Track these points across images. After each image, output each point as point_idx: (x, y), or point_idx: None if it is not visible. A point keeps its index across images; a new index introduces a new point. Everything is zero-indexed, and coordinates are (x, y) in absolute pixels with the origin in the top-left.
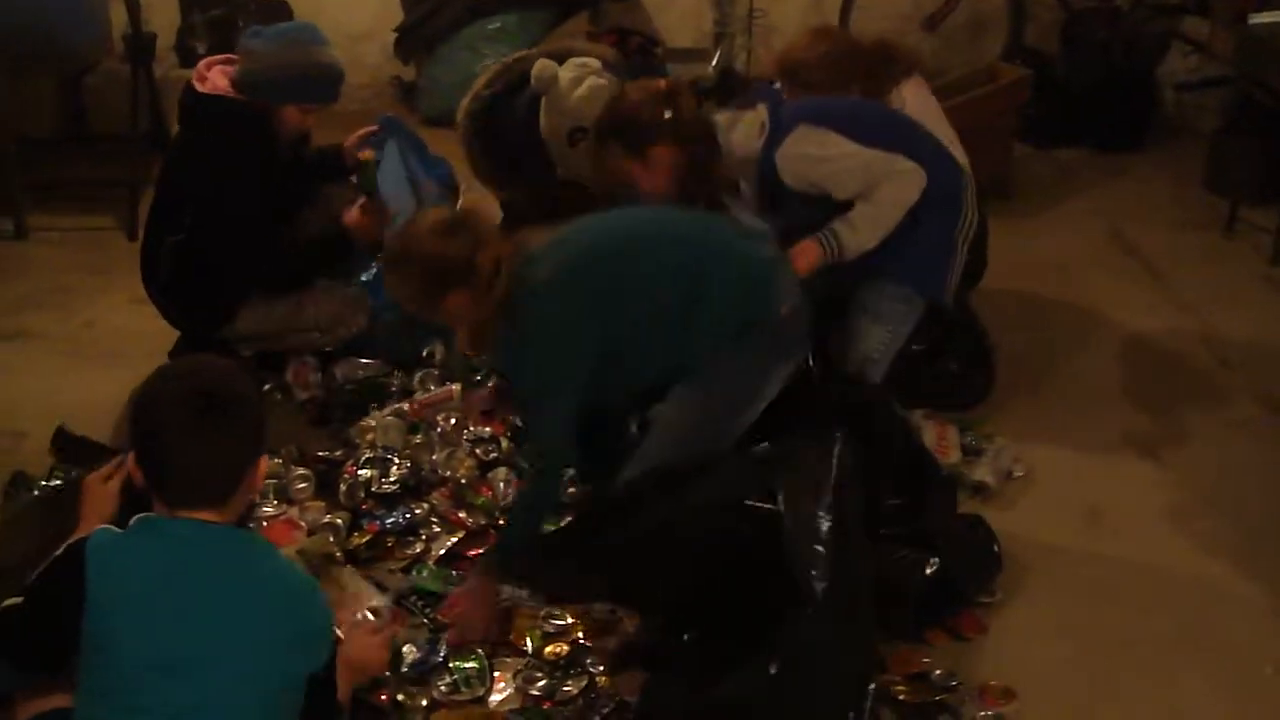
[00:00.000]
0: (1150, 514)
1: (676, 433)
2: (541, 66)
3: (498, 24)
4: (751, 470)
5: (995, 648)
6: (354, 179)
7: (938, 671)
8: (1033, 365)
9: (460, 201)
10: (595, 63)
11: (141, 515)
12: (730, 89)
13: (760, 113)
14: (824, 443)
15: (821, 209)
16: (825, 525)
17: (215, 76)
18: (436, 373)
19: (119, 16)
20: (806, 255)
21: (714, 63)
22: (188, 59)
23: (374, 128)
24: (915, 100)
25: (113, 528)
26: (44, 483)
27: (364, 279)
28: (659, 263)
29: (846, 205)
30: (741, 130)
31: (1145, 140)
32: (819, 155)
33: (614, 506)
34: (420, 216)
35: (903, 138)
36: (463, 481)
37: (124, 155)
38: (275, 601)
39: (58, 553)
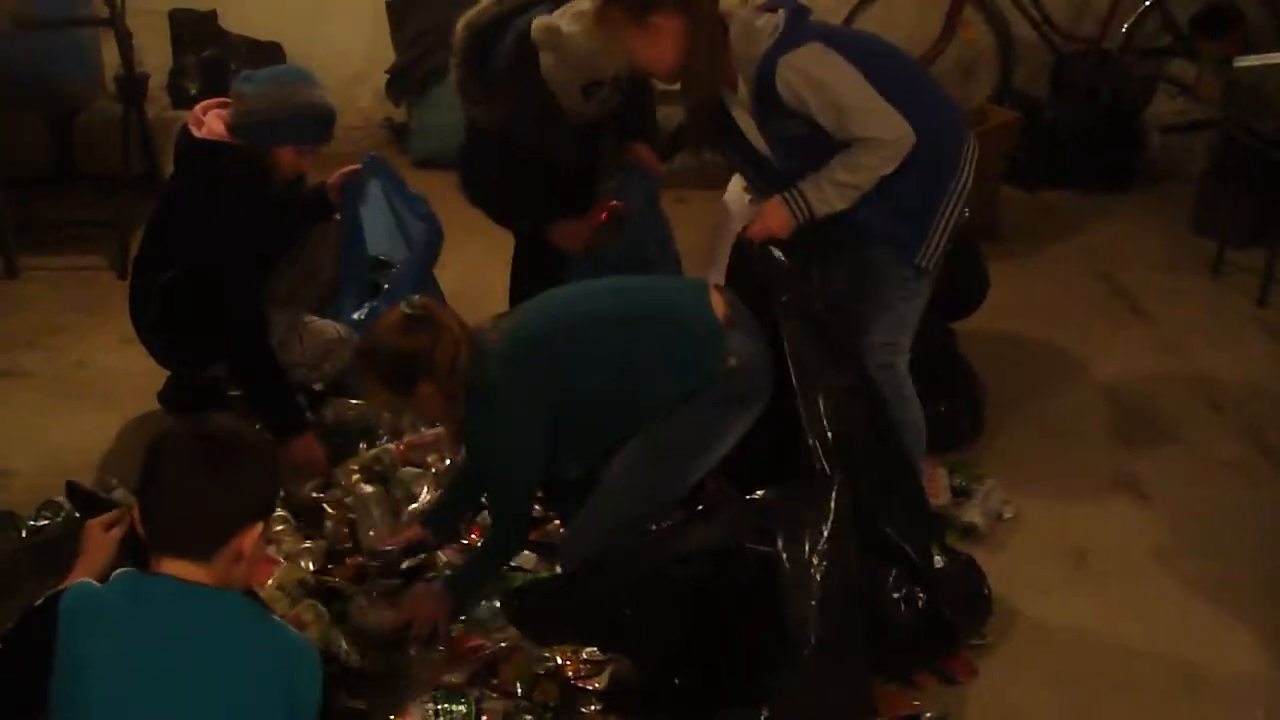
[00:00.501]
0: (1138, 556)
1: (622, 486)
2: (541, 26)
3: None
4: (749, 514)
5: (985, 691)
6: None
7: (928, 715)
8: (1021, 406)
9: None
10: (590, 6)
11: (122, 570)
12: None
13: (778, 16)
14: (822, 486)
15: (807, 128)
16: (820, 570)
17: (211, 121)
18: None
19: (111, 57)
20: (777, 217)
21: None
22: (180, 99)
23: (357, 166)
24: None
25: (92, 582)
26: (31, 522)
27: (355, 317)
28: (593, 349)
29: (826, 140)
30: (756, 27)
31: (1133, 183)
32: (818, 77)
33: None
34: (379, 319)
35: (911, 93)
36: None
37: (115, 195)
38: (255, 670)
39: (36, 603)
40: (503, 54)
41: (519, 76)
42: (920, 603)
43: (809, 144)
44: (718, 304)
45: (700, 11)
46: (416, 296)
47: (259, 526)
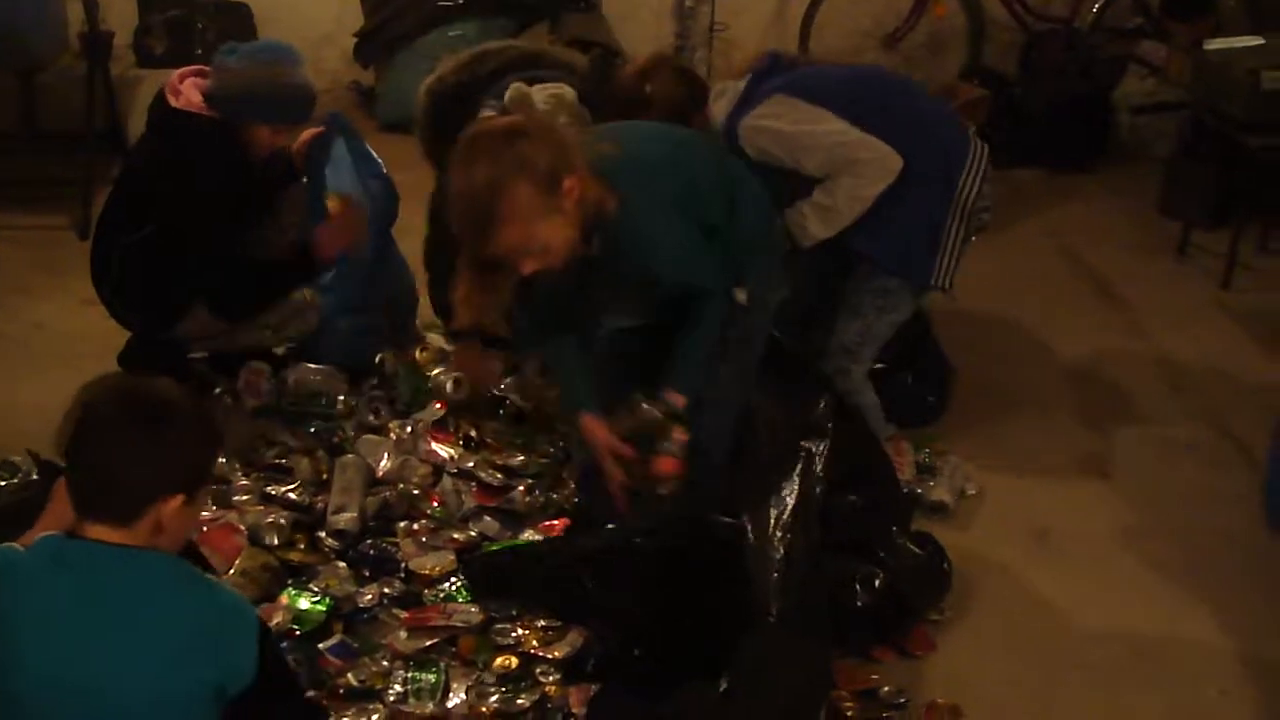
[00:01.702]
0: (1099, 534)
1: (728, 399)
2: (517, 92)
3: (458, 31)
4: (715, 486)
5: (943, 666)
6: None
7: (886, 689)
8: (984, 384)
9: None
10: (570, 95)
11: (44, 534)
12: None
13: (741, 82)
14: (790, 459)
15: (782, 184)
16: (784, 543)
17: (189, 90)
18: (379, 393)
19: (75, 14)
20: None
21: None
22: (145, 58)
23: (320, 129)
24: None
25: (15, 546)
26: None
27: (324, 280)
28: (706, 164)
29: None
30: (724, 100)
31: (1100, 162)
32: (777, 128)
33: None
34: (471, 141)
35: (895, 117)
36: (415, 492)
37: (78, 154)
38: (180, 630)
39: None
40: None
41: None
42: (878, 582)
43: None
44: None
45: (672, 110)
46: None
47: (179, 498)
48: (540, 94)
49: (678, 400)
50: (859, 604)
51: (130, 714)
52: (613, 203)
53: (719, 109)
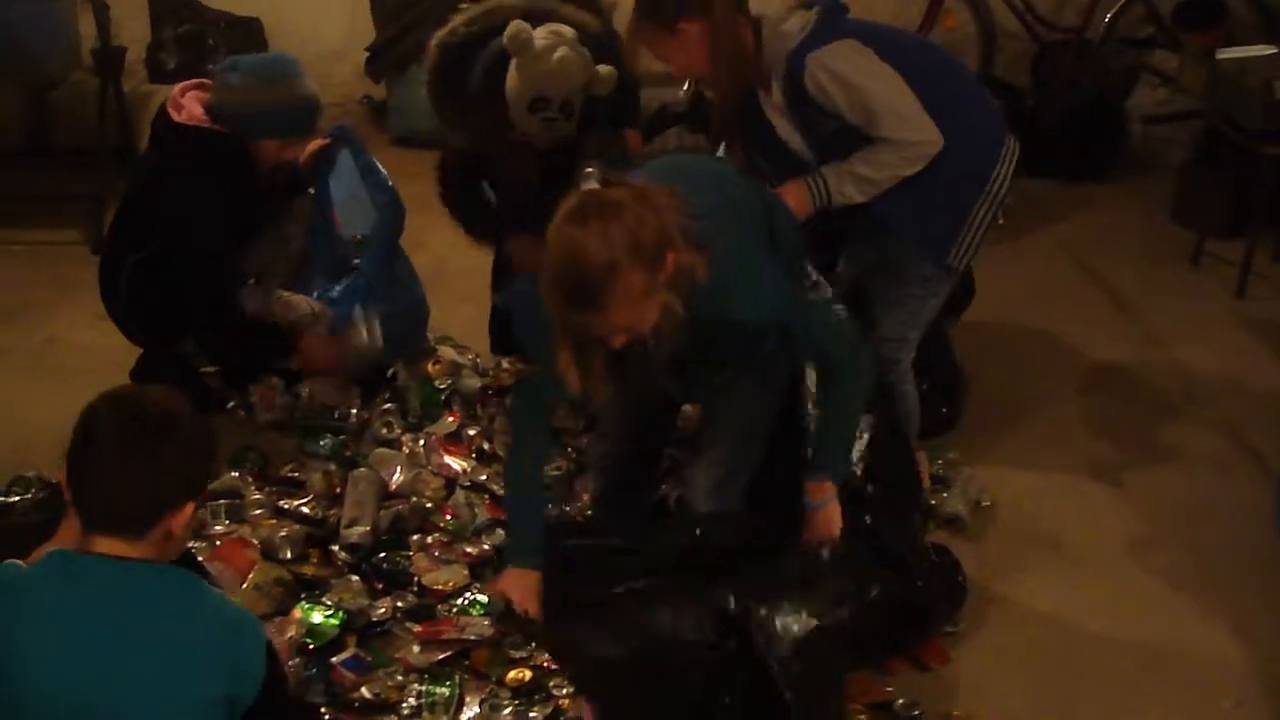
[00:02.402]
0: (1113, 545)
1: (739, 428)
2: (516, 29)
3: None
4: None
5: (958, 677)
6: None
7: (900, 701)
8: (998, 395)
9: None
10: (570, 32)
11: (51, 550)
12: (701, 114)
13: (810, 14)
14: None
15: (840, 124)
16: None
17: (190, 104)
18: (392, 406)
19: (88, 30)
20: (796, 197)
21: (685, 88)
22: (157, 74)
23: (325, 142)
24: None
25: (18, 562)
26: (2, 498)
27: (332, 294)
28: (745, 193)
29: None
30: (786, 26)
31: (1113, 172)
32: (846, 75)
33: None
34: (568, 226)
35: (948, 94)
36: (428, 505)
37: (90, 169)
38: (194, 644)
39: None
40: (475, 76)
41: (486, 98)
42: (897, 596)
43: (843, 139)
44: None
45: (718, 12)
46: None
47: (190, 506)
48: (541, 31)
49: (825, 491)
50: (879, 619)
51: None
52: (704, 267)
53: (786, 35)
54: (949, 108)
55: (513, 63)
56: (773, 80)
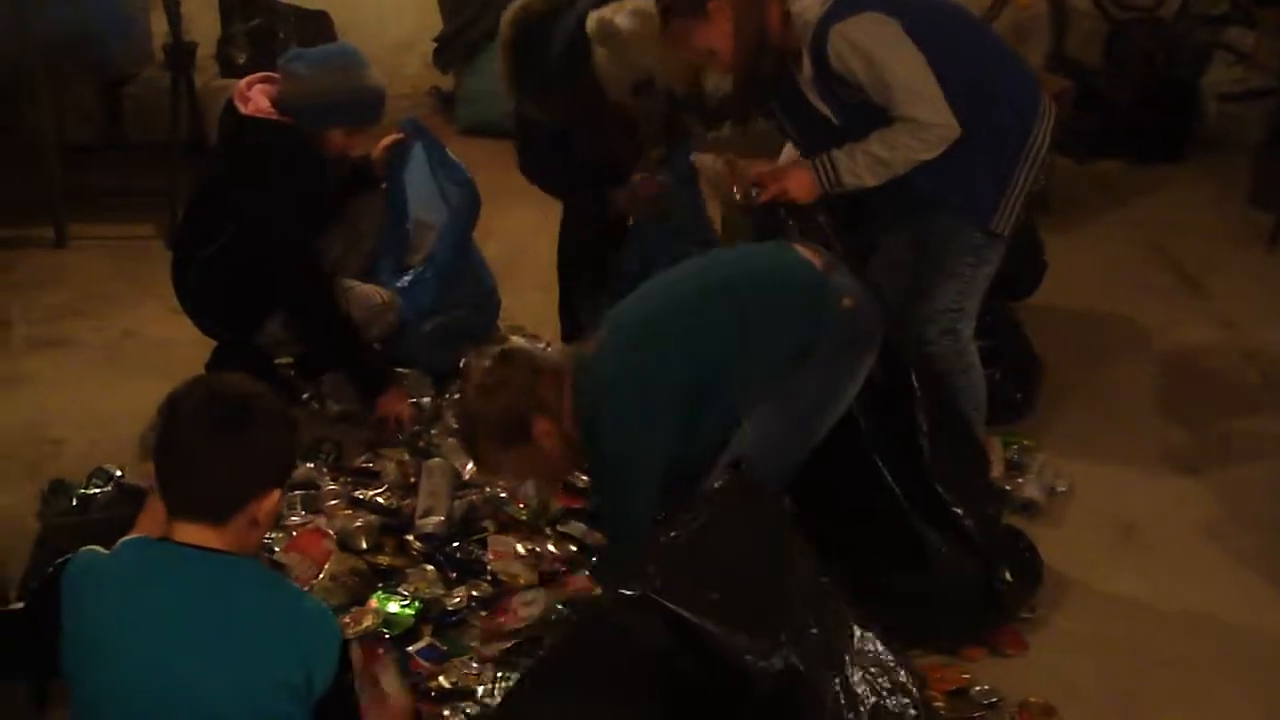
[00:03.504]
0: (1189, 530)
1: (758, 447)
2: (596, 21)
3: None
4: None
5: (1035, 664)
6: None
7: (977, 688)
8: (1072, 379)
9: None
10: (649, 6)
11: (130, 537)
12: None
13: None
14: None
15: (865, 95)
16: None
17: (257, 97)
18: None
19: (160, 26)
20: (799, 181)
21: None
22: (228, 68)
23: (400, 135)
24: None
25: (99, 549)
26: (82, 490)
27: (399, 285)
28: (704, 318)
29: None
30: None
31: (1187, 153)
32: (868, 48)
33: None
34: (464, 387)
35: (981, 63)
36: (501, 495)
37: (163, 164)
38: (268, 637)
39: (49, 570)
40: (554, 50)
41: (573, 77)
42: (972, 573)
43: (868, 112)
44: (807, 253)
45: None
46: (494, 348)
47: (276, 493)
48: (620, 15)
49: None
50: (951, 594)
51: (216, 715)
52: (582, 426)
53: (812, 6)
54: (985, 74)
55: (603, 54)
56: (803, 52)
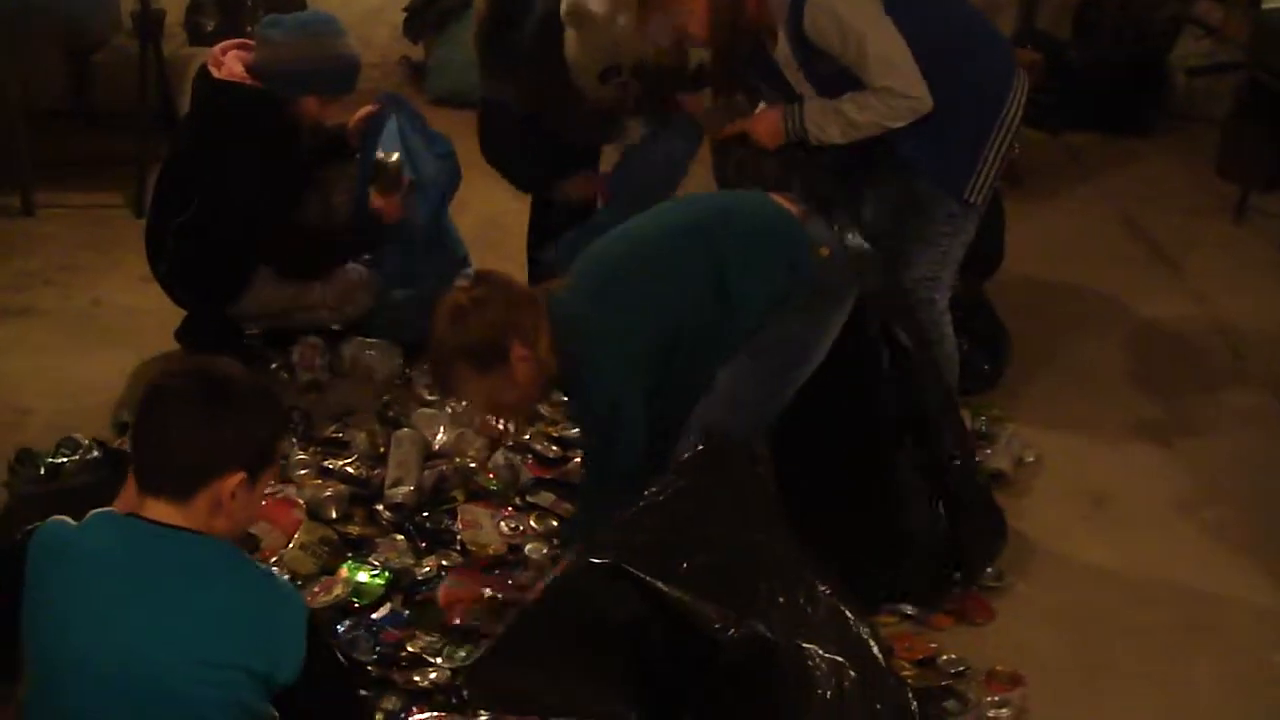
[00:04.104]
0: (1158, 502)
1: (730, 397)
2: (570, 4)
3: None
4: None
5: (1002, 633)
6: (373, 182)
7: (945, 656)
8: (1042, 351)
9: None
10: None
11: (98, 511)
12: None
13: None
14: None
15: (841, 65)
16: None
17: (231, 62)
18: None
19: None
20: (767, 125)
21: None
22: (196, 36)
23: (375, 107)
24: None
25: (66, 520)
26: (50, 460)
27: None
28: (679, 260)
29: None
30: None
31: (1156, 125)
32: (842, 16)
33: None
34: (439, 308)
35: (954, 32)
36: (471, 465)
37: (131, 132)
38: (227, 615)
39: (17, 537)
40: (527, 32)
41: (541, 58)
42: (941, 527)
43: (842, 81)
44: (784, 201)
45: None
46: (470, 270)
47: (239, 476)
48: (597, 4)
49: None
50: (922, 545)
51: (173, 693)
52: (564, 361)
53: None
54: (959, 45)
55: (575, 37)
56: (779, 29)
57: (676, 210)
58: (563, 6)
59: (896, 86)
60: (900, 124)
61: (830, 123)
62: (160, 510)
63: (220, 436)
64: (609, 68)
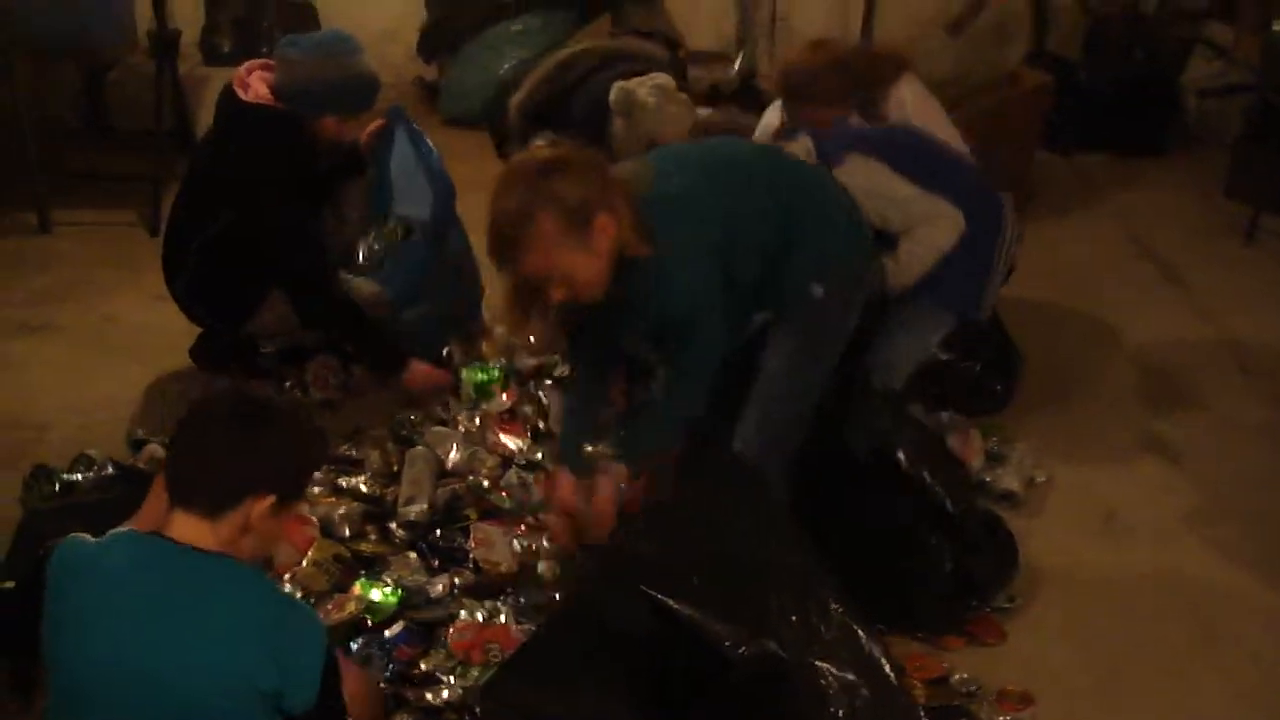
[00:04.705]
0: (1168, 520)
1: (783, 380)
2: (621, 92)
3: (520, 26)
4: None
5: (1013, 653)
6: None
7: (957, 676)
8: (1052, 370)
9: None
10: (669, 83)
11: (119, 529)
12: (752, 93)
13: (805, 141)
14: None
15: None
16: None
17: (256, 84)
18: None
19: (144, 13)
20: None
21: (735, 67)
22: (212, 56)
23: (383, 122)
24: (914, 98)
25: (86, 537)
26: (65, 476)
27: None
28: (765, 194)
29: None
30: (792, 150)
31: (1167, 147)
32: (867, 188)
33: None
34: (518, 166)
35: (942, 172)
36: (484, 484)
37: (147, 151)
38: (244, 636)
39: (40, 553)
40: (576, 114)
41: (588, 137)
42: (951, 559)
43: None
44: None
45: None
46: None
47: (270, 499)
48: (643, 89)
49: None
50: (931, 581)
51: (192, 711)
52: (646, 248)
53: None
54: (961, 181)
55: (622, 122)
56: None
57: (748, 151)
58: (613, 93)
59: (932, 212)
60: (951, 241)
61: (904, 271)
62: (189, 525)
63: (257, 458)
64: (651, 145)
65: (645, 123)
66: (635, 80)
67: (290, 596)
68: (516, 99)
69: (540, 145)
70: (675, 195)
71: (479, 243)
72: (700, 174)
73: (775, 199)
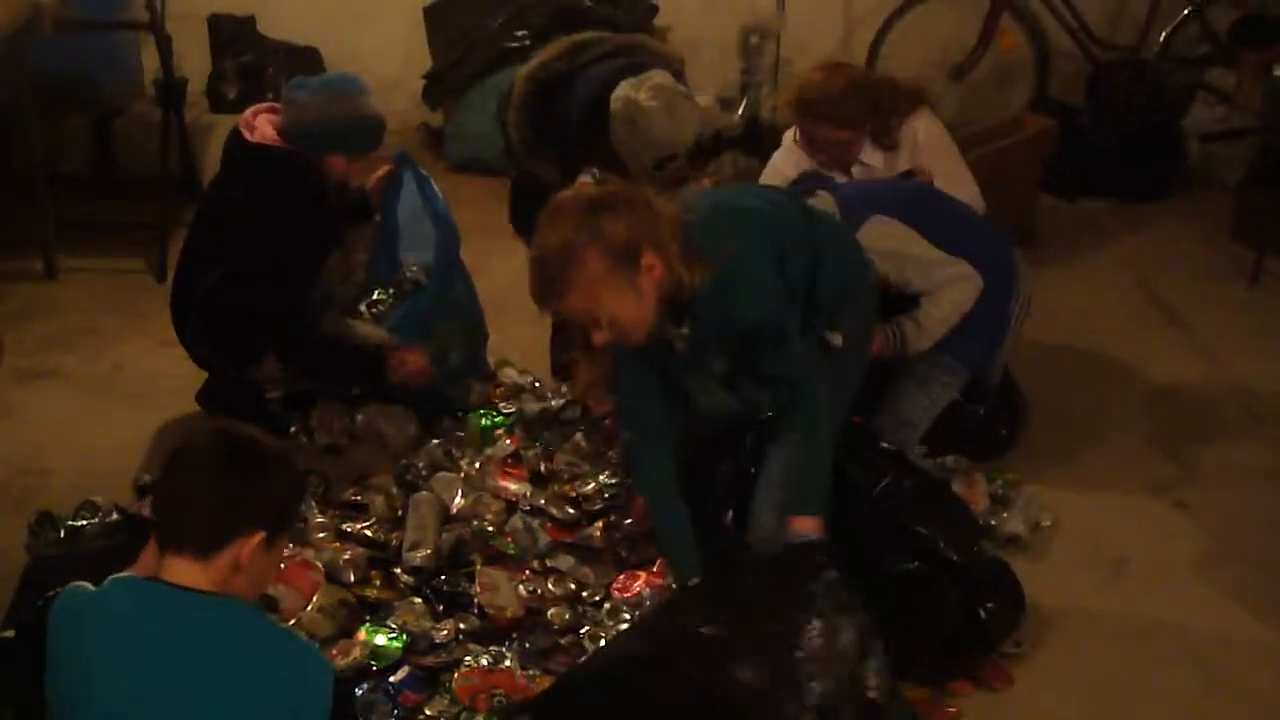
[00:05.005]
0: (1176, 564)
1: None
2: (623, 103)
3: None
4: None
5: (1022, 699)
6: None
7: None
8: (1059, 414)
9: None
10: (670, 83)
11: (118, 575)
12: (757, 138)
13: (827, 198)
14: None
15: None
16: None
17: (262, 125)
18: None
19: (151, 61)
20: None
21: (740, 112)
22: (218, 104)
23: (390, 166)
24: (927, 133)
25: (87, 585)
26: (70, 523)
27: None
28: (794, 226)
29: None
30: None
31: (1170, 191)
32: (890, 250)
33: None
34: (555, 209)
35: (959, 230)
36: (489, 529)
37: (154, 198)
38: (256, 678)
39: (39, 603)
40: (573, 118)
41: (592, 144)
42: (958, 605)
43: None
44: None
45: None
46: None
47: (259, 537)
48: (643, 93)
49: (811, 526)
50: (938, 627)
51: None
52: (703, 273)
53: None
54: (978, 242)
55: (629, 130)
56: None
57: (767, 194)
58: (614, 106)
59: (953, 274)
60: (972, 300)
61: (925, 334)
62: (182, 568)
63: (242, 496)
64: (665, 156)
65: (652, 129)
66: (630, 84)
67: (293, 633)
68: (527, 68)
69: (585, 181)
70: (724, 204)
71: (484, 286)
72: (740, 193)
73: (809, 233)
